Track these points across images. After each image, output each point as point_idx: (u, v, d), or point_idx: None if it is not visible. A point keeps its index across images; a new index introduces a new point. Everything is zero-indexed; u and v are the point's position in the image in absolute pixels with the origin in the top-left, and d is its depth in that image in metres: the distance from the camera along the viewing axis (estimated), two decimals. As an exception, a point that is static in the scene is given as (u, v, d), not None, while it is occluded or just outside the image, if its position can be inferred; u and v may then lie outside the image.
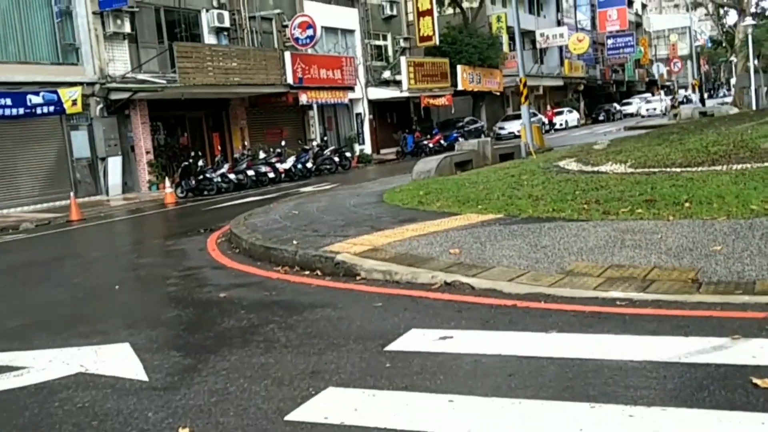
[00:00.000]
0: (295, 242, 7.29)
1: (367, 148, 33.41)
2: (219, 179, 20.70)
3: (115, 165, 23.03)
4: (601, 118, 56.02)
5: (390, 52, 37.07)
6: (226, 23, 26.37)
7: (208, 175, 20.66)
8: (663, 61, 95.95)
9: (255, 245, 7.65)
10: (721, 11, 61.91)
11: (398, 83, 34.81)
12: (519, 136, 42.37)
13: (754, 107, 29.50)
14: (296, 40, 27.29)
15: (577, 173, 9.96)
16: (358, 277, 5.92)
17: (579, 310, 4.36)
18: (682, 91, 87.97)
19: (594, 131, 37.40)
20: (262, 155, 23.76)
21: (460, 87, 38.48)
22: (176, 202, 19.41)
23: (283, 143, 25.51)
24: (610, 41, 63.24)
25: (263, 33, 28.67)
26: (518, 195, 8.89)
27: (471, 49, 39.20)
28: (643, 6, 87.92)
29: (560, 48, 56.51)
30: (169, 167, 23.68)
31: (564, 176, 9.84)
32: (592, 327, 4.04)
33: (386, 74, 35.26)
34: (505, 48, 45.10)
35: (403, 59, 34.40)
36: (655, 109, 64.61)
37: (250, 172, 21.53)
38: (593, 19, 64.48)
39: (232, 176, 20.97)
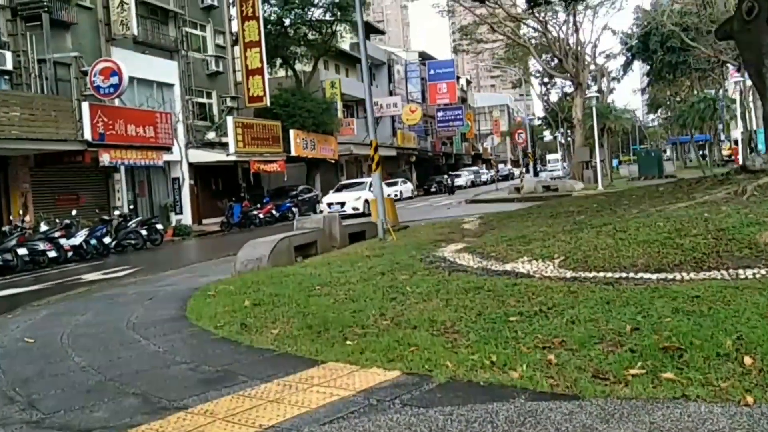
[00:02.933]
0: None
1: (187, 218, 28.91)
2: (-25, 260, 15.58)
3: None
4: (433, 189, 55.06)
5: (215, 111, 33.16)
6: (8, 65, 21.33)
7: (-42, 256, 15.47)
8: (485, 136, 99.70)
9: None
10: (544, 89, 64.21)
11: (224, 145, 30.91)
12: (358, 215, 40.05)
13: (599, 182, 28.77)
14: (97, 89, 22.71)
15: (483, 274, 6.70)
16: None
17: None
18: (501, 165, 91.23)
19: (433, 203, 35.44)
20: (44, 227, 18.76)
21: (293, 153, 35.27)
22: None
23: (74, 212, 20.59)
24: (440, 114, 63.44)
25: (58, 80, 23.78)
26: (408, 317, 5.44)
27: (305, 113, 36.30)
28: (468, 82, 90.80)
29: (392, 118, 55.43)
30: None
31: (466, 280, 6.53)
32: None
33: (211, 135, 31.24)
34: (340, 114, 42.76)
35: (230, 119, 30.65)
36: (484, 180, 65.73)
37: (22, 251, 16.54)
38: (423, 92, 64.60)
39: (-5, 256, 15.89)
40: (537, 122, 76.39)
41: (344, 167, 48.29)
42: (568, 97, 65.07)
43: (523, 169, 36.80)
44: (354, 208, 28.44)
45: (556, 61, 48.04)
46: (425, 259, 8.27)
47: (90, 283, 12.65)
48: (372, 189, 21.63)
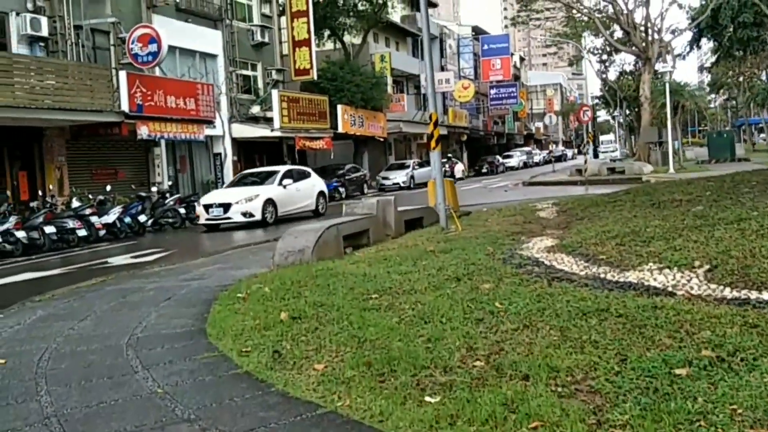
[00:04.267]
0: None
1: (228, 196, 27.56)
2: (-1, 238, 14.38)
3: None
4: (484, 170, 52.95)
5: (260, 85, 31.70)
6: (44, 32, 20.10)
7: (-19, 233, 14.28)
8: (537, 116, 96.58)
9: None
10: (602, 66, 61.13)
11: (269, 120, 29.43)
12: (403, 187, 38.46)
13: (670, 165, 26.44)
14: (135, 56, 21.37)
15: (597, 287, 4.95)
16: None
17: None
18: (553, 146, 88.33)
19: (487, 185, 33.51)
20: (75, 204, 17.54)
21: (340, 129, 33.64)
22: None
23: (108, 188, 19.35)
24: (493, 91, 61.08)
25: (96, 48, 22.55)
26: (512, 356, 3.75)
27: (353, 87, 34.55)
28: (521, 59, 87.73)
29: (443, 95, 53.29)
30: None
31: (578, 295, 4.79)
32: None
33: (255, 109, 29.77)
34: (390, 90, 40.96)
35: (275, 93, 29.12)
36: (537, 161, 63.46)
37: (49, 229, 15.29)
38: (475, 68, 62.24)
39: (20, 234, 14.67)
40: (592, 101, 73.05)
41: (392, 146, 46.55)
42: (628, 75, 62.08)
43: (587, 150, 34.54)
44: (245, 214, 18.21)
45: (619, 35, 45.45)
46: (509, 260, 6.55)
47: (113, 270, 11.26)
48: (283, 182, 19.47)
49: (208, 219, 18.54)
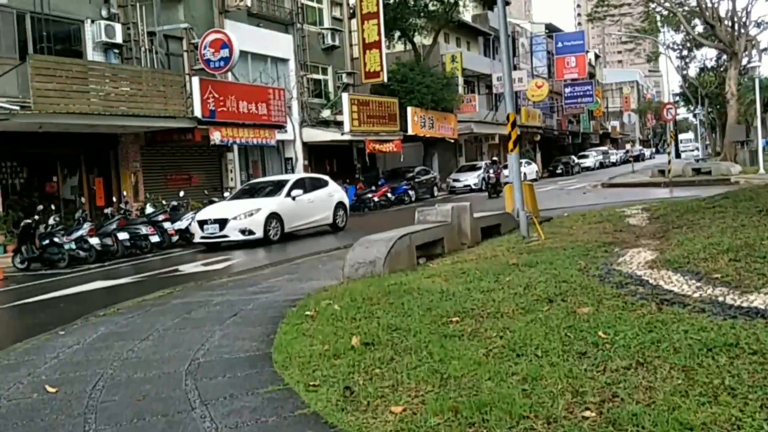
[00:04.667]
0: None
1: (299, 201, 27.42)
2: (73, 245, 14.43)
3: (-65, 221, 16.56)
4: (559, 171, 51.49)
5: (330, 88, 31.52)
6: (118, 39, 20.34)
7: (56, 240, 14.36)
8: (612, 114, 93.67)
9: None
10: (683, 62, 58.64)
11: (339, 124, 29.20)
12: (475, 190, 37.67)
13: (760, 165, 24.80)
14: (207, 62, 21.41)
15: (718, 313, 4.24)
16: None
17: None
18: (628, 146, 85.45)
19: (564, 187, 32.34)
20: (149, 210, 17.59)
21: (410, 131, 33.13)
22: (2, 279, 13.14)
23: (181, 194, 19.37)
24: (567, 90, 59.39)
25: (169, 54, 22.73)
26: (629, 406, 3.11)
27: (423, 89, 33.99)
28: (596, 57, 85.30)
29: (516, 94, 52.14)
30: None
31: (696, 324, 4.09)
32: None
33: (325, 113, 29.62)
34: (461, 90, 40.22)
35: (345, 96, 28.84)
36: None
37: (122, 236, 15.32)
38: (549, 66, 60.69)
39: (94, 241, 14.71)
40: (673, 99, 70.23)
41: (463, 147, 45.72)
42: (709, 71, 59.39)
43: (670, 149, 32.91)
44: (244, 231, 15.83)
45: (700, 29, 43.37)
46: (606, 277, 5.85)
47: (183, 279, 11.04)
48: (291, 193, 17.02)
49: (203, 237, 16.02)
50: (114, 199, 18.80)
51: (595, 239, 8.40)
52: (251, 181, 20.15)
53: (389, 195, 27.52)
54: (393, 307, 5.63)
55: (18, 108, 16.48)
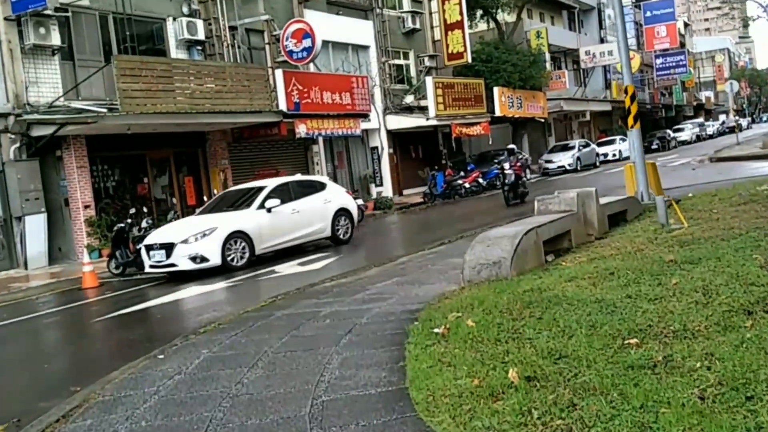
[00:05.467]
0: None
1: (387, 190, 26.73)
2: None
3: (35, 226, 16.61)
4: (654, 146, 48.84)
5: (413, 73, 30.56)
6: (200, 35, 20.03)
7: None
8: (704, 85, 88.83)
9: None
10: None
11: (423, 109, 28.25)
12: (570, 171, 35.87)
13: None
14: (290, 53, 20.84)
15: None
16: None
17: None
18: (722, 117, 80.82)
19: (665, 163, 30.26)
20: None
21: (497, 113, 31.82)
22: (99, 286, 12.87)
23: (270, 190, 18.82)
24: (659, 61, 56.35)
25: (251, 48, 22.32)
26: None
27: (510, 67, 32.57)
28: (686, 25, 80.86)
29: (604, 69, 49.77)
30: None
31: None
32: None
33: (409, 99, 28.69)
34: (548, 67, 38.48)
35: (429, 80, 27.83)
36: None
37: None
38: (638, 37, 57.72)
39: (186, 243, 14.21)
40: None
41: (552, 126, 43.91)
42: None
43: (730, 122, 30.23)
44: (195, 258, 12.31)
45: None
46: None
47: (281, 281, 10.39)
48: (266, 204, 13.30)
49: (151, 265, 12.81)
50: (205, 198, 18.48)
51: (754, 225, 7.17)
52: (227, 190, 16.25)
53: (480, 180, 26.37)
54: (543, 324, 4.67)
55: (106, 110, 16.31)
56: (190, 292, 10.60)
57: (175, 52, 19.74)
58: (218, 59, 20.35)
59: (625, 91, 11.08)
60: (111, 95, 16.96)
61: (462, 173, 26.90)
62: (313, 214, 14.38)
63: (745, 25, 77.69)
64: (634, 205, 10.22)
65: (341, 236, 14.90)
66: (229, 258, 12.43)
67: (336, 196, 15.29)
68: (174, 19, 19.79)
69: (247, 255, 12.70)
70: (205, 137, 20.54)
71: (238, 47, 21.30)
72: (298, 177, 15.94)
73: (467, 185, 25.70)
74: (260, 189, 14.12)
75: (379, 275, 8.65)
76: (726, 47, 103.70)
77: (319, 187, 15.25)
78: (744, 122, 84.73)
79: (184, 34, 19.65)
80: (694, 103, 75.11)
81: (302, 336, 5.81)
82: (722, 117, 79.95)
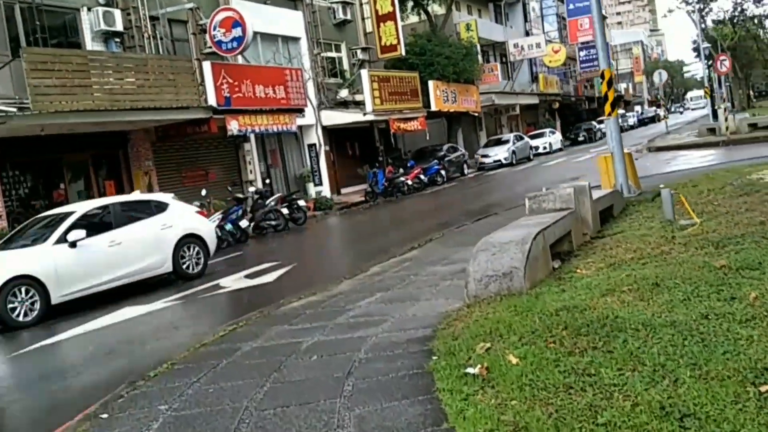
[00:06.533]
0: None
1: (326, 190, 25.44)
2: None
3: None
4: (581, 138, 49.25)
5: (345, 66, 29.35)
6: (119, 26, 18.25)
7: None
8: (622, 77, 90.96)
9: None
10: (698, 16, 55.99)
11: (359, 104, 27.10)
12: (506, 165, 35.35)
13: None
14: (218, 44, 19.28)
15: None
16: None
17: None
18: (637, 108, 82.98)
19: (600, 153, 30.11)
20: (170, 214, 15.50)
21: (433, 107, 30.95)
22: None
23: (203, 192, 17.36)
24: (582, 53, 56.81)
25: (174, 40, 20.62)
26: None
27: (443, 60, 31.76)
28: (603, 18, 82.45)
29: (530, 61, 49.80)
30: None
31: None
32: None
33: (343, 93, 27.47)
34: (480, 59, 37.95)
35: (364, 73, 26.69)
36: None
37: (145, 248, 13.10)
38: (560, 30, 58.19)
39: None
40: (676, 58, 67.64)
41: (482, 121, 43.46)
42: (730, 23, 56.87)
43: (725, 105, 30.60)
44: None
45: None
46: None
47: (231, 298, 9.06)
48: (68, 237, 10.24)
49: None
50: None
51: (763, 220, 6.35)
52: (36, 216, 12.40)
53: (422, 177, 25.42)
54: (618, 360, 3.60)
55: (15, 110, 14.46)
56: (124, 314, 9.12)
57: (91, 45, 17.91)
58: (139, 52, 18.61)
59: (602, 76, 10.28)
60: (21, 93, 15.05)
61: (401, 170, 25.88)
62: (144, 244, 11.31)
63: (664, 16, 79.72)
64: (618, 199, 9.38)
65: (189, 270, 11.76)
66: (14, 314, 9.32)
67: (180, 219, 12.08)
68: (89, 9, 17.96)
69: (39, 307, 9.63)
70: (126, 137, 18.79)
71: (161, 39, 19.59)
72: (131, 196, 13.02)
73: (410, 182, 24.69)
74: (66, 216, 10.94)
75: (355, 290, 7.44)
76: (640, 40, 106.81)
77: (157, 208, 12.05)
78: (661, 113, 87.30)
79: (101, 25, 17.86)
80: (615, 95, 76.55)
81: (289, 381, 4.56)
82: (637, 108, 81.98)
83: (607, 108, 10.12)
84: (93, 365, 6.66)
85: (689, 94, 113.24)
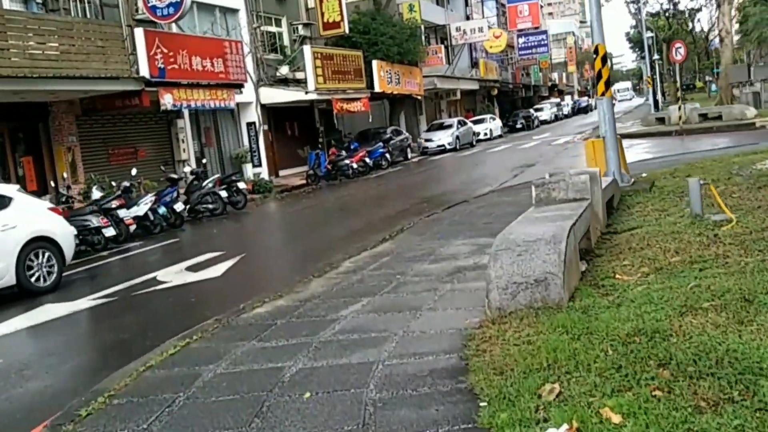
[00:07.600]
0: None
1: (264, 172, 23.92)
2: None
3: None
4: (519, 125, 48.97)
5: (286, 42, 27.75)
6: (39, -15, 16.28)
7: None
8: (557, 66, 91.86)
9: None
10: (633, 8, 56.67)
11: (299, 82, 25.62)
12: (449, 150, 34.43)
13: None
14: (152, 9, 17.53)
15: None
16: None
17: None
18: (567, 98, 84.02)
19: (546, 142, 29.67)
20: (96, 194, 13.91)
21: (377, 88, 29.70)
22: None
23: (133, 172, 15.71)
24: (521, 40, 56.74)
25: (103, 4, 18.68)
26: None
27: (388, 40, 30.54)
28: (540, 7, 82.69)
29: (470, 46, 49.10)
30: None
31: None
32: None
33: (284, 70, 25.88)
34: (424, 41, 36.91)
35: (307, 49, 25.21)
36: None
37: (66, 233, 11.40)
38: (499, 16, 57.81)
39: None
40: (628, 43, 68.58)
41: (423, 104, 42.48)
42: (664, 15, 57.88)
43: (679, 95, 30.42)
44: None
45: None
46: None
47: (173, 296, 7.71)
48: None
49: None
50: (51, 184, 15.01)
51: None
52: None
53: (367, 160, 24.21)
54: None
55: None
56: (39, 316, 7.62)
57: (9, 4, 15.91)
58: (63, 15, 16.68)
59: (595, 51, 9.30)
60: None
61: (343, 153, 24.60)
62: None
63: (600, 6, 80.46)
64: (616, 189, 8.45)
65: (38, 282, 9.27)
66: None
67: (27, 219, 9.51)
68: (5, -36, 15.92)
69: None
70: (47, 109, 16.89)
71: (88, 2, 17.68)
72: (600, 104, 10.12)
73: (354, 165, 23.45)
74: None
75: (332, 294, 6.19)
76: (572, 30, 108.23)
77: None
78: (593, 103, 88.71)
79: (18, -19, 15.88)
80: (549, 84, 77.13)
81: (279, 433, 3.33)
82: (567, 98, 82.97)
83: (601, 87, 9.19)
84: None
85: (616, 86, 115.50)
